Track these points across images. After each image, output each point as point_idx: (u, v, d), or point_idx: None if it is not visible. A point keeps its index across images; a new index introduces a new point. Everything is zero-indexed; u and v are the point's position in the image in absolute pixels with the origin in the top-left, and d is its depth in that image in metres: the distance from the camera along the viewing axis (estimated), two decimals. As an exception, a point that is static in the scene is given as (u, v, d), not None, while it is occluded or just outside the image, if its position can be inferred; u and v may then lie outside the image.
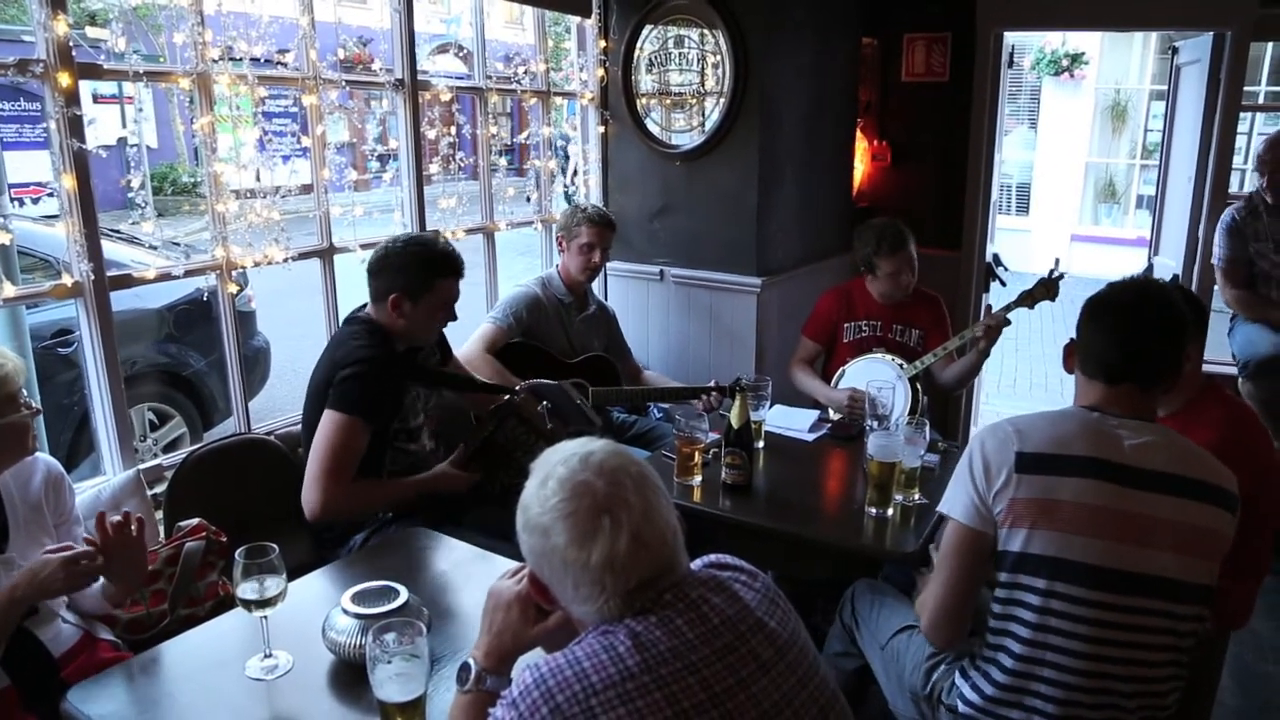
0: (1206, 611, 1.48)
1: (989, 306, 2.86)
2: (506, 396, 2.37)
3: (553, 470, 1.08)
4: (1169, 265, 4.22)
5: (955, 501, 1.55)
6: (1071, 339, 1.64)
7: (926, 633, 1.65)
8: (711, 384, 2.98)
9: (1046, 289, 2.81)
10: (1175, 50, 4.51)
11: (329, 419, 2.09)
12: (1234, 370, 3.48)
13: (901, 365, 2.94)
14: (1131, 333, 1.53)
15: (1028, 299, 2.84)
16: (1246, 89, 4.01)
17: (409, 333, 2.26)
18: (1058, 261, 2.89)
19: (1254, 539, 1.88)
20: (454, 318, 2.33)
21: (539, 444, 2.32)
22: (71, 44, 2.09)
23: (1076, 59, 11.30)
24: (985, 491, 1.49)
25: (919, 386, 2.92)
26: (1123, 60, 11.76)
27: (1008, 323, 2.86)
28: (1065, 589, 1.43)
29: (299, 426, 2.73)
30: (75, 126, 2.11)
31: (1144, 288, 1.59)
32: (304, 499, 2.09)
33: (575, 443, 1.12)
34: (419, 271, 2.19)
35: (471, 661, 1.21)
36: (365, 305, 2.30)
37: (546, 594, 1.13)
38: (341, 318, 2.87)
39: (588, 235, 3.06)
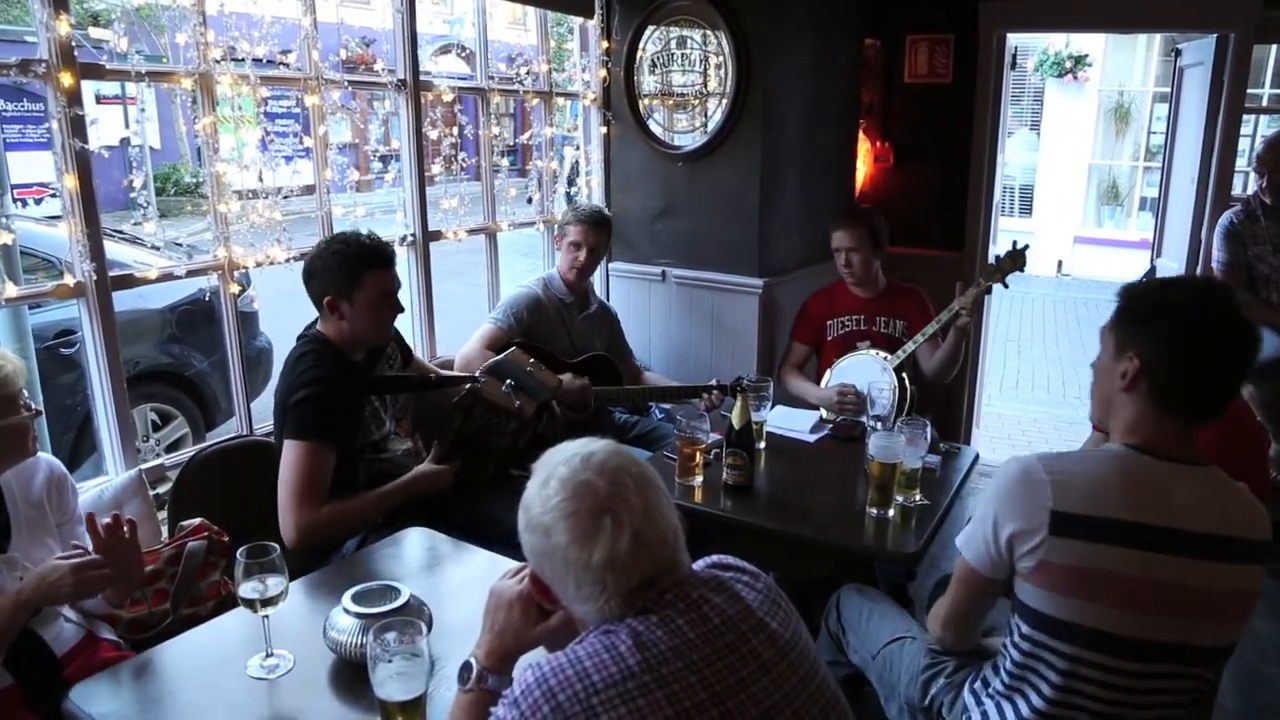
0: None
1: (960, 285, 2.92)
2: (468, 386, 2.36)
3: (554, 470, 1.08)
4: (1171, 267, 4.22)
5: (970, 546, 1.44)
6: (1136, 357, 1.36)
7: (936, 636, 1.61)
8: (713, 383, 2.98)
9: (1013, 260, 2.87)
10: (1178, 52, 4.51)
11: (289, 448, 2.06)
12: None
13: (886, 357, 2.96)
14: (1234, 367, 1.34)
15: (997, 273, 2.88)
16: (1249, 91, 4.01)
17: (357, 335, 2.21)
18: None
19: None
20: (399, 309, 2.29)
21: (511, 423, 2.31)
22: (74, 44, 2.09)
23: (1080, 61, 11.30)
24: (1012, 547, 1.37)
25: (906, 378, 2.93)
26: (1126, 62, 11.76)
27: (988, 290, 2.96)
28: (1096, 658, 1.34)
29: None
30: (77, 126, 2.11)
31: (1235, 308, 1.34)
32: (281, 529, 2.06)
33: (577, 443, 1.12)
34: (344, 270, 2.15)
35: (473, 661, 1.21)
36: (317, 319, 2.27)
37: (548, 594, 1.13)
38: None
39: (574, 233, 3.06)
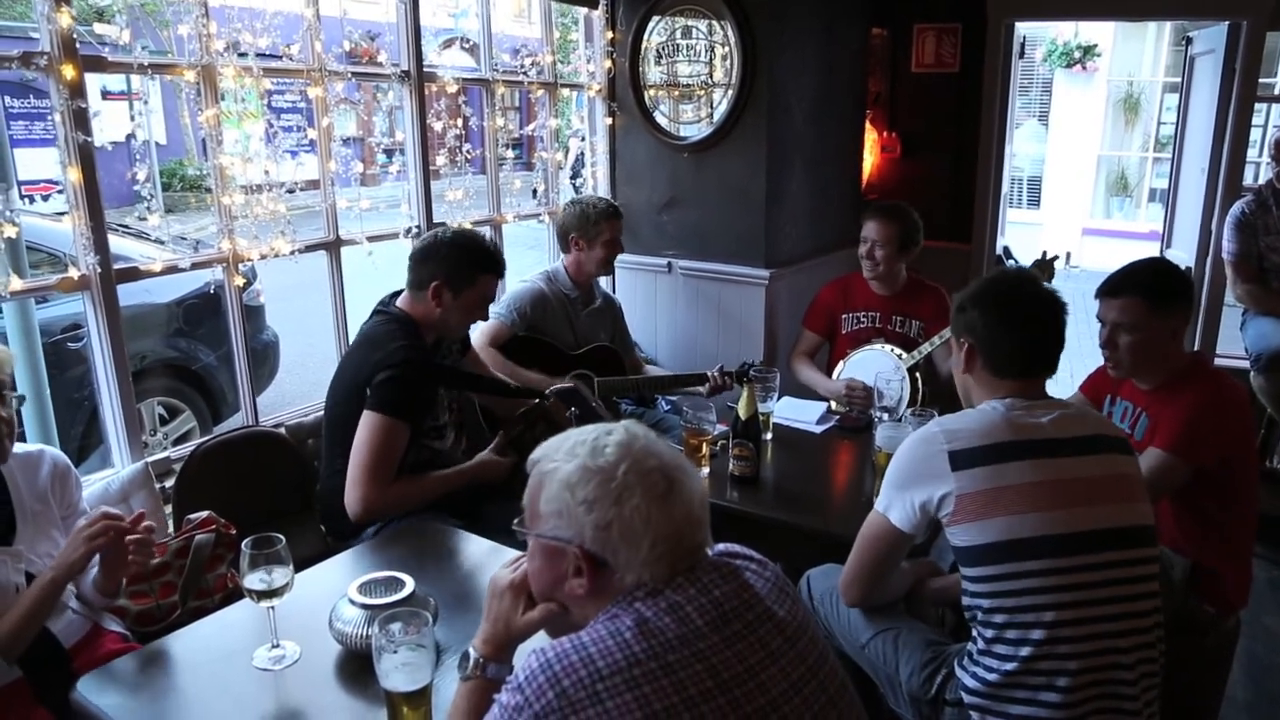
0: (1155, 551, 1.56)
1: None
2: (536, 400, 2.38)
3: (600, 441, 1.07)
4: (1181, 258, 4.18)
5: (892, 506, 1.60)
6: (968, 342, 1.67)
7: (849, 597, 1.75)
8: (716, 368, 2.96)
9: (1041, 270, 2.83)
10: (1189, 41, 4.47)
11: (371, 420, 2.09)
12: (1246, 364, 3.45)
13: (901, 355, 2.93)
14: (1040, 329, 1.62)
15: None
16: (1262, 80, 3.96)
17: (443, 324, 2.26)
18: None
19: (1233, 517, 1.94)
20: (486, 316, 2.38)
21: None
22: (77, 39, 2.09)
23: (1089, 51, 11.21)
24: (928, 498, 1.53)
25: (919, 377, 2.91)
26: (1135, 52, 11.66)
27: None
28: (1036, 565, 1.46)
29: (308, 419, 2.73)
30: (80, 120, 2.11)
31: (1031, 284, 1.68)
32: (347, 500, 2.10)
33: (591, 426, 1.12)
34: (464, 264, 2.21)
35: (472, 649, 1.21)
36: (396, 295, 2.29)
37: (541, 582, 1.13)
38: (348, 311, 2.88)
39: (611, 231, 3.02)
